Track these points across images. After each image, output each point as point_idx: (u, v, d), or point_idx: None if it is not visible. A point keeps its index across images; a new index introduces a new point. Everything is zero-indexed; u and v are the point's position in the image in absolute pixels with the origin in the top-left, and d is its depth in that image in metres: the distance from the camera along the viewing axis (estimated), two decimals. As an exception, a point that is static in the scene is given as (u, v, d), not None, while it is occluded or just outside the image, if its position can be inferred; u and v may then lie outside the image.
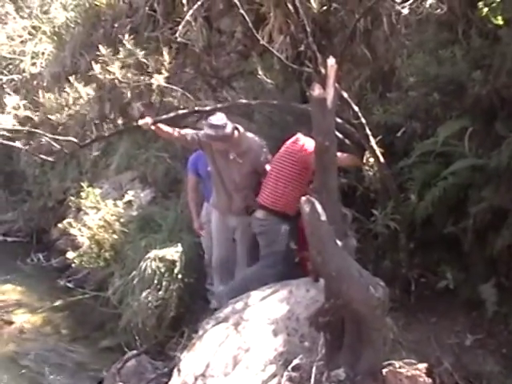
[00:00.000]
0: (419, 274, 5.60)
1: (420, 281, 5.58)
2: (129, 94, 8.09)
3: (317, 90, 4.13)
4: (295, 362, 4.54)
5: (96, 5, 9.97)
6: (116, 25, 9.69)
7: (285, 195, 5.80)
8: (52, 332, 7.49)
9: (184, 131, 6.11)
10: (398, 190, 5.51)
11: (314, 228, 3.74)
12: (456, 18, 5.97)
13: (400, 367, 4.40)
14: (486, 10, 4.78)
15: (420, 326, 5.33)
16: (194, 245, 6.83)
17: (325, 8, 6.70)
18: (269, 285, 5.41)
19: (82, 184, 8.21)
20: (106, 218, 7.66)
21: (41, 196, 10.41)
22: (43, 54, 10.77)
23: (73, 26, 10.67)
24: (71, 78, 9.16)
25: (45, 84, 10.49)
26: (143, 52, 8.04)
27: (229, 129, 5.86)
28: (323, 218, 3.69)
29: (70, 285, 8.46)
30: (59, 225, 8.45)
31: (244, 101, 6.41)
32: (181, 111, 6.04)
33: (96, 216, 7.69)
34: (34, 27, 11.07)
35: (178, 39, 8.24)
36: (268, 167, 6.08)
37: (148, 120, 5.87)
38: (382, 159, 5.24)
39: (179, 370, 5.02)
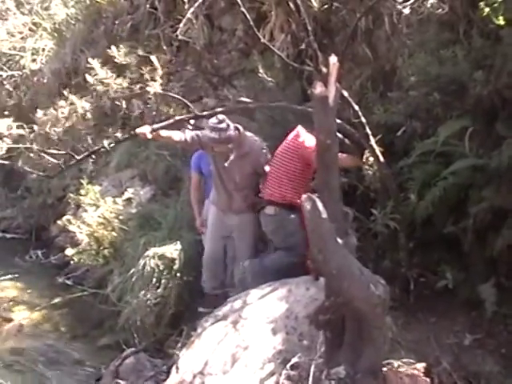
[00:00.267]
0: (419, 274, 5.58)
1: (419, 280, 5.57)
2: (124, 104, 8.09)
3: (318, 88, 4.12)
4: (294, 360, 4.54)
5: (97, 2, 10.01)
6: (117, 22, 9.71)
7: (291, 189, 5.80)
8: (51, 329, 7.48)
9: (183, 134, 6.07)
10: (397, 190, 5.51)
11: (315, 226, 3.73)
12: (457, 18, 5.97)
13: (399, 367, 4.41)
14: (487, 10, 4.78)
15: (419, 325, 5.32)
16: (193, 243, 6.81)
17: (326, 7, 6.69)
18: (268, 283, 5.41)
19: (82, 181, 8.21)
20: (106, 216, 7.67)
21: (40, 193, 10.39)
22: (43, 50, 10.79)
23: (73, 22, 10.70)
24: (65, 92, 9.18)
25: (45, 81, 10.51)
26: (141, 52, 7.98)
27: (231, 131, 5.85)
28: (324, 215, 3.69)
29: (68, 282, 8.43)
30: (58, 222, 8.46)
31: (244, 99, 6.35)
32: (179, 117, 5.97)
33: (95, 213, 7.70)
34: (34, 23, 11.10)
35: (179, 37, 8.25)
36: (268, 168, 6.10)
37: (146, 128, 5.83)
38: (381, 158, 5.24)
39: (177, 368, 5.03)
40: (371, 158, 5.33)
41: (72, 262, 7.95)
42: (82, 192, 8.06)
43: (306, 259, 5.63)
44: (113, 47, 8.51)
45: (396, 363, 4.48)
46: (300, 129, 5.88)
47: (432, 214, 5.40)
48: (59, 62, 10.50)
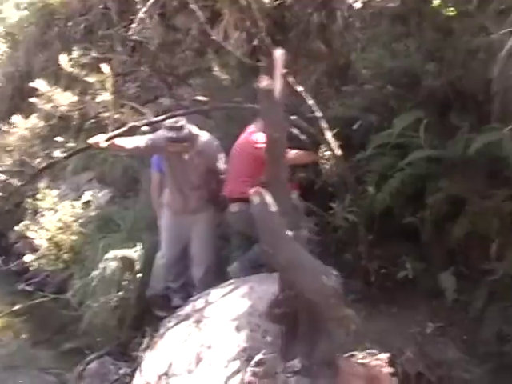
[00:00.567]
0: (379, 266, 5.61)
1: (380, 272, 5.60)
2: (77, 116, 8.02)
3: (264, 82, 4.12)
4: (258, 357, 4.52)
5: (49, 3, 9.86)
6: (70, 24, 9.61)
7: (251, 185, 5.77)
8: (12, 336, 7.38)
9: (136, 141, 6.00)
10: (355, 183, 5.55)
11: (264, 219, 3.73)
12: (409, 12, 6.02)
13: (363, 358, 4.43)
14: (437, 1, 4.83)
15: (382, 316, 5.35)
16: (153, 244, 6.75)
17: (278, 3, 6.70)
18: (229, 281, 5.41)
19: (39, 186, 8.10)
20: (64, 220, 7.58)
21: (-3, 200, 10.22)
22: (-4, 53, 10.63)
23: (26, 25, 10.55)
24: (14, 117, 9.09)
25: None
26: (95, 53, 7.91)
27: (187, 129, 5.84)
28: (273, 209, 3.69)
29: (29, 288, 8.31)
30: (16, 228, 8.32)
31: (199, 98, 6.34)
32: (132, 123, 5.91)
33: (54, 218, 7.61)
34: (-14, 27, 10.92)
35: (134, 37, 8.20)
36: (222, 166, 6.14)
37: (100, 137, 5.77)
38: (338, 152, 5.26)
39: (141, 370, 4.99)
40: (328, 153, 5.36)
41: (32, 268, 7.81)
42: (40, 197, 7.94)
43: None
44: (61, 56, 8.37)
45: (360, 355, 4.50)
46: (254, 126, 5.89)
47: (390, 206, 5.45)
48: (12, 66, 10.36)
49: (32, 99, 8.62)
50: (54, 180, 9.20)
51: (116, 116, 7.49)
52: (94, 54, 8.13)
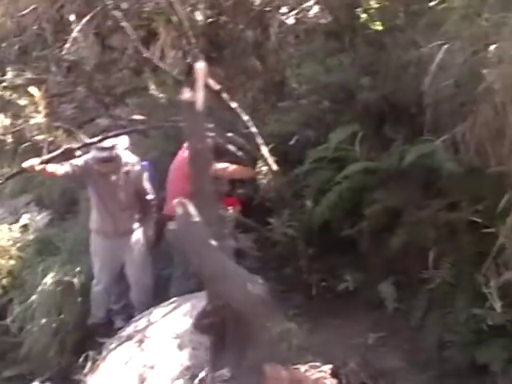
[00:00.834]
0: (320, 279, 5.67)
1: (321, 285, 5.66)
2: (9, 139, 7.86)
3: (186, 94, 4.14)
4: (202, 374, 4.50)
5: (-18, 24, 9.67)
6: (4, 45, 9.44)
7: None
8: (-48, 366, 7.15)
9: (65, 167, 5.98)
10: (293, 198, 5.60)
11: (188, 230, 3.75)
12: (342, 27, 6.13)
13: (305, 371, 4.45)
14: (364, 16, 4.92)
15: (324, 329, 5.38)
16: (94, 265, 6.66)
17: (211, 21, 6.75)
18: (171, 300, 5.37)
19: (-25, 211, 7.93)
20: (2, 244, 7.39)
21: None
22: None
23: (-41, 46, 10.31)
24: None
25: None
26: (30, 75, 7.78)
27: (117, 149, 5.86)
28: (196, 219, 3.70)
29: (-32, 316, 8.07)
30: (-47, 254, 8.09)
31: (137, 117, 6.29)
32: (67, 146, 5.86)
33: (-9, 242, 7.42)
34: None
35: (69, 58, 8.12)
36: (148, 185, 6.19)
37: (34, 161, 5.69)
38: (274, 167, 5.30)
39: (84, 394, 4.91)
40: (264, 168, 5.39)
41: (-31, 295, 7.60)
42: (-24, 222, 7.75)
43: None
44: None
45: (303, 367, 4.51)
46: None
47: (329, 219, 5.51)
48: None
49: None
50: (-10, 204, 8.99)
51: (51, 139, 7.38)
52: (28, 75, 7.99)
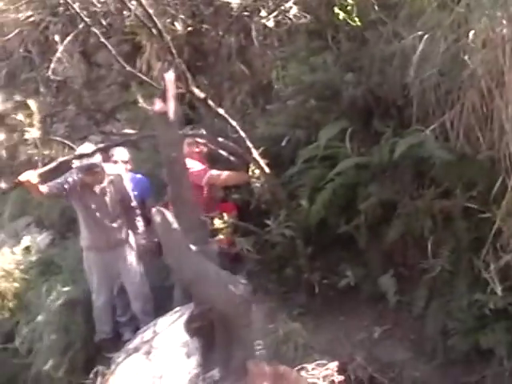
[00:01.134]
0: (321, 277, 5.67)
1: (323, 283, 5.66)
2: (4, 153, 7.92)
3: (157, 104, 4.19)
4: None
5: (-30, 50, 9.72)
6: (-8, 69, 9.48)
7: None
8: (-38, 391, 7.17)
9: (48, 185, 5.95)
10: (287, 198, 5.62)
11: (167, 237, 3.79)
12: (324, 26, 6.16)
13: (313, 369, 4.48)
14: (342, 13, 4.95)
15: (329, 326, 5.41)
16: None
17: (194, 29, 6.79)
18: (175, 309, 5.39)
19: (-24, 236, 7.96)
20: (5, 268, 7.43)
21: None
22: None
23: None
24: None
25: None
26: (18, 97, 7.83)
27: (99, 158, 5.89)
28: (174, 225, 3.74)
29: (-24, 341, 8.09)
30: (-44, 280, 8.12)
31: (128, 131, 6.33)
32: (62, 158, 5.89)
33: (-6, 266, 7.46)
34: None
35: (57, 77, 8.17)
36: (131, 193, 6.22)
37: (30, 174, 5.72)
38: (266, 169, 5.32)
39: (95, 409, 4.94)
40: (257, 171, 5.42)
41: (-23, 321, 7.62)
42: (-23, 247, 7.79)
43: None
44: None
45: (310, 367, 4.55)
46: None
47: (325, 217, 5.54)
48: None
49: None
50: (-10, 229, 9.03)
51: (46, 152, 7.46)
52: (17, 97, 8.04)
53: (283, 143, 5.90)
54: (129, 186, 6.28)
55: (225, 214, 5.62)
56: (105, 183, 6.08)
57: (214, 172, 6.06)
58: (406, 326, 5.26)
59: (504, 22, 4.34)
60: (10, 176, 8.23)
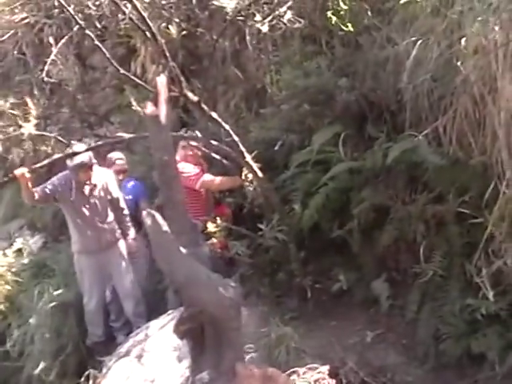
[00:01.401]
0: (314, 281, 5.69)
1: (316, 287, 5.68)
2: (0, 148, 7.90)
3: (149, 108, 4.20)
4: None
5: (-37, 52, 9.69)
6: (-15, 71, 9.46)
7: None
8: (-46, 395, 7.14)
9: (37, 190, 5.96)
10: (281, 202, 5.62)
11: (158, 239, 3.80)
12: (318, 31, 6.18)
13: (304, 373, 4.48)
14: (334, 18, 4.96)
15: (321, 330, 5.41)
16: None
17: (189, 33, 6.79)
18: (168, 312, 5.40)
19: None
20: (-3, 270, 7.43)
21: None
22: None
23: None
24: None
25: None
26: (12, 99, 7.81)
27: (88, 155, 5.93)
28: (165, 228, 3.75)
29: (-32, 344, 8.06)
30: (-51, 282, 8.10)
31: (122, 134, 6.30)
32: (56, 156, 5.90)
33: (-14, 268, 7.45)
34: None
35: (50, 80, 8.16)
36: (119, 193, 6.25)
37: (23, 169, 5.72)
38: (259, 173, 5.33)
39: (86, 412, 4.93)
40: (250, 175, 5.43)
41: (-32, 323, 7.60)
42: (-31, 249, 7.77)
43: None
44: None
45: (301, 370, 4.55)
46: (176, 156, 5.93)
47: (318, 221, 5.55)
48: None
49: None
50: (-17, 231, 9.02)
51: (41, 149, 7.47)
52: (11, 99, 8.02)
53: (276, 147, 5.93)
54: (116, 187, 6.31)
55: (218, 218, 5.63)
56: (94, 183, 6.10)
57: (207, 177, 6.07)
58: (398, 331, 5.27)
59: (496, 28, 4.35)
60: (4, 171, 8.23)
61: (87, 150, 5.83)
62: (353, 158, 5.46)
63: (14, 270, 7.48)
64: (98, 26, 7.42)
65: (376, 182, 5.34)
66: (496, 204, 4.57)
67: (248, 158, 5.22)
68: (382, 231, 5.33)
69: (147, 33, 4.62)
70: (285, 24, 6.03)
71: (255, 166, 5.27)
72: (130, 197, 6.50)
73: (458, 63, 4.70)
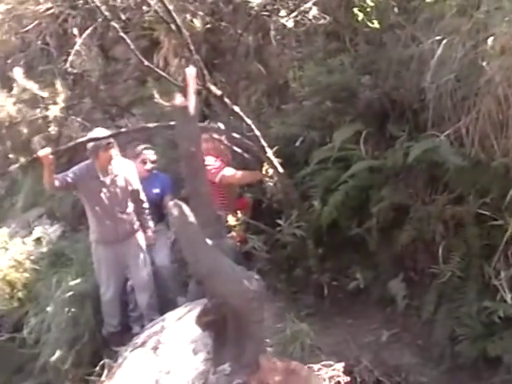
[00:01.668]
0: (331, 278, 5.70)
1: (333, 284, 5.69)
2: (25, 130, 7.97)
3: (178, 99, 4.21)
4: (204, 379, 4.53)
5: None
6: (9, 61, 9.52)
7: None
8: (-30, 380, 7.22)
9: (59, 176, 5.99)
10: (300, 198, 5.63)
11: (184, 230, 3.80)
12: (342, 28, 6.16)
13: (319, 370, 4.48)
14: (361, 15, 4.95)
15: (337, 328, 5.41)
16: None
17: (212, 27, 6.80)
18: (184, 304, 5.41)
19: (-12, 226, 8.02)
20: (16, 258, 7.48)
21: None
22: None
23: (-35, 64, 10.42)
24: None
25: None
26: (37, 86, 7.89)
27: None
28: (191, 219, 3.76)
29: (-15, 330, 8.14)
30: (-32, 269, 8.18)
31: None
32: (80, 139, 5.94)
33: (5, 256, 7.51)
34: None
35: (73, 70, 8.20)
36: (139, 185, 6.25)
37: (47, 150, 5.76)
38: (280, 169, 5.33)
39: (101, 401, 4.95)
40: (270, 170, 5.43)
41: (-14, 309, 7.68)
42: (-11, 236, 7.85)
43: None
44: (15, 69, 8.34)
45: (316, 367, 4.55)
46: None
47: (337, 219, 5.54)
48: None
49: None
50: (3, 218, 9.10)
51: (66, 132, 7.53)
52: (34, 89, 8.07)
53: (297, 143, 5.93)
54: (137, 179, 6.31)
55: (239, 212, 5.64)
56: (115, 173, 6.13)
57: (228, 171, 6.05)
58: (414, 331, 5.25)
59: (524, 28, 4.32)
60: (28, 152, 8.28)
61: (110, 137, 5.85)
62: (374, 157, 5.44)
63: (32, 258, 7.56)
64: (123, 17, 7.43)
65: (396, 180, 5.32)
66: (517, 206, 4.55)
67: (269, 152, 5.23)
68: (400, 230, 5.30)
69: (172, 25, 4.63)
70: (309, 20, 6.01)
71: (276, 162, 5.27)
72: (158, 190, 6.50)
73: (483, 63, 4.67)
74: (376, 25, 5.12)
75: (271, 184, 5.59)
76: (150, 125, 6.14)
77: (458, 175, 4.98)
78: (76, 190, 6.25)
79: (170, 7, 4.64)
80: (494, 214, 4.79)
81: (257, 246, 5.47)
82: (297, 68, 6.25)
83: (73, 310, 6.48)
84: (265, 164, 5.55)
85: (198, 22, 6.78)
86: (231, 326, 3.76)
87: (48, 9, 8.94)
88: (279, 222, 5.60)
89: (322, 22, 6.03)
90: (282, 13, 6.18)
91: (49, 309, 6.67)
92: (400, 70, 5.47)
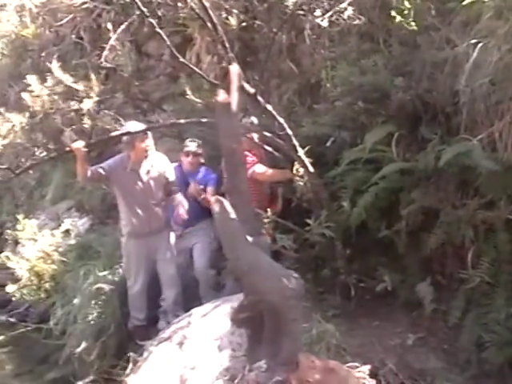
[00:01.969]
0: (358, 280, 5.69)
1: (359, 286, 5.67)
2: (59, 121, 8.06)
3: (221, 95, 4.22)
4: (241, 376, 4.54)
5: (22, 35, 9.88)
6: (43, 54, 9.62)
7: None
8: (-4, 368, 7.32)
9: (92, 167, 6.04)
10: (330, 199, 5.62)
11: (225, 226, 3.82)
12: (376, 28, 6.14)
13: (344, 371, 4.46)
14: (398, 17, 4.93)
15: (363, 330, 5.40)
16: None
17: (245, 25, 6.82)
18: (211, 301, 5.43)
19: (18, 216, 8.09)
20: (45, 249, 7.56)
21: (-24, 232, 10.17)
22: (-28, 86, 10.61)
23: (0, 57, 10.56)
24: (1, 109, 9.07)
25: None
26: (71, 79, 7.97)
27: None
28: (233, 215, 3.77)
29: (12, 319, 8.22)
30: (-3, 259, 8.29)
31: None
32: (113, 133, 5.99)
33: (34, 247, 7.59)
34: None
35: (107, 65, 8.27)
36: (173, 176, 6.27)
37: (80, 143, 5.81)
38: (311, 169, 5.32)
39: (125, 394, 4.99)
40: (301, 169, 5.42)
41: (13, 299, 7.76)
42: (19, 227, 7.93)
43: None
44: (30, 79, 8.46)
45: (342, 368, 4.54)
46: None
47: (366, 220, 5.53)
48: (-13, 98, 10.35)
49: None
50: (32, 210, 9.19)
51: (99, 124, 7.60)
52: (68, 82, 8.15)
53: (328, 143, 5.91)
54: (172, 172, 6.33)
55: (269, 210, 5.65)
56: (149, 165, 6.16)
57: (259, 167, 6.03)
58: (440, 335, 5.23)
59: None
60: (59, 144, 8.39)
61: (143, 131, 5.90)
62: (405, 159, 5.41)
63: (60, 250, 7.63)
64: (159, 13, 7.46)
65: (427, 184, 5.29)
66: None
67: (300, 152, 5.22)
68: (429, 234, 5.27)
69: (208, 23, 4.64)
70: (344, 20, 6.00)
71: (307, 161, 5.26)
72: (202, 186, 6.52)
73: (519, 68, 4.63)
74: (414, 27, 5.08)
75: (301, 183, 5.59)
76: (183, 121, 6.13)
77: (489, 180, 4.93)
78: (108, 181, 6.30)
79: (207, 4, 4.65)
80: (525, 220, 4.76)
81: (286, 244, 5.46)
82: (329, 68, 6.23)
83: (99, 302, 6.54)
84: (295, 163, 5.55)
85: (232, 20, 6.79)
86: (268, 323, 3.76)
87: (82, 3, 9.03)
88: (308, 221, 5.59)
89: (356, 22, 6.02)
90: (317, 12, 6.17)
91: (75, 301, 6.73)
92: (434, 72, 5.44)
